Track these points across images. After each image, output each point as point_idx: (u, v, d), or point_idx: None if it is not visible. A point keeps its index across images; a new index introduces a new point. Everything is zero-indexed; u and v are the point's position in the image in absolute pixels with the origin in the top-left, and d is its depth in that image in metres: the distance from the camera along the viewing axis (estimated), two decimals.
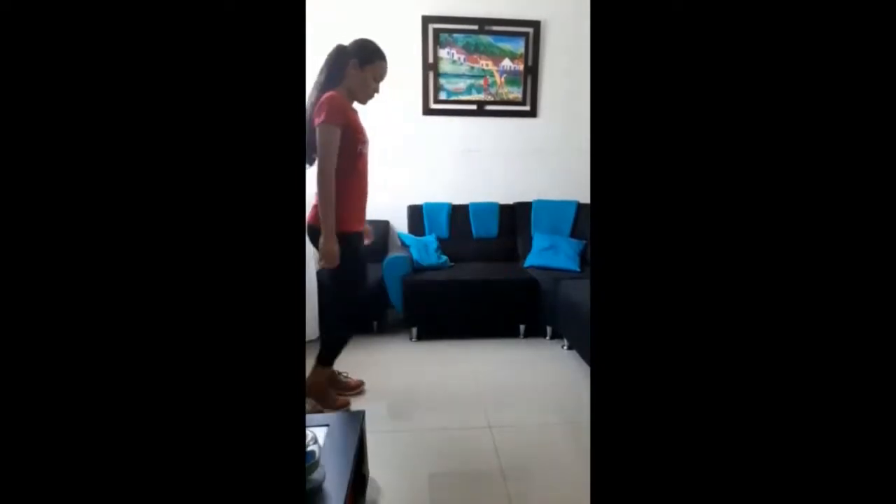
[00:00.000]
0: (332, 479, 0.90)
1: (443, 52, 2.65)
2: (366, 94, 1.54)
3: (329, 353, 1.68)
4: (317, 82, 1.51)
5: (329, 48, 1.47)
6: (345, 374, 1.87)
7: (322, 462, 0.91)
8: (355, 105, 1.57)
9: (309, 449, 0.88)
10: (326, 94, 1.44)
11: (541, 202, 2.74)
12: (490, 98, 2.71)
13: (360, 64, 1.49)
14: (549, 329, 2.40)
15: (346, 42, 1.56)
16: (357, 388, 1.84)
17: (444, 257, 2.51)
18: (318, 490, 0.87)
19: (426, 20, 2.61)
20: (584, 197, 2.74)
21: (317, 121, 1.41)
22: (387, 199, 2.74)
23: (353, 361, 2.13)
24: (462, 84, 2.69)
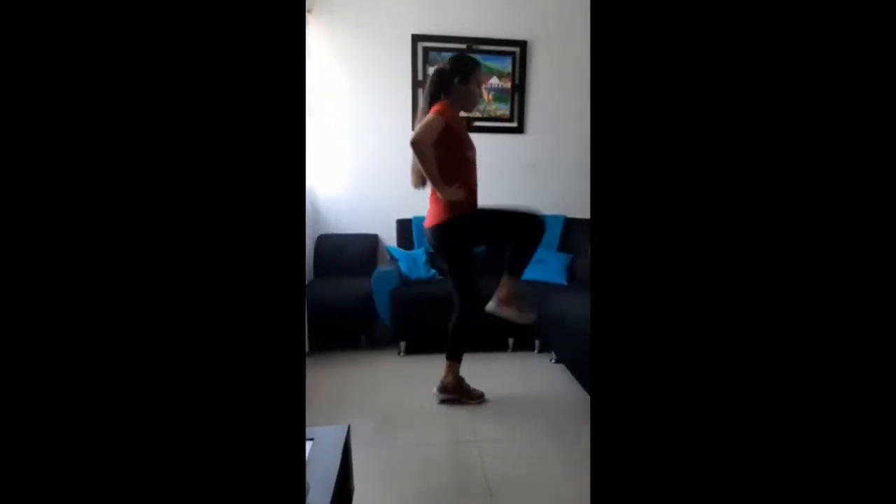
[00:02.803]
0: (315, 492, 0.89)
1: (432, 70, 2.70)
2: (472, 103, 1.75)
3: (456, 348, 1.82)
4: (422, 107, 1.69)
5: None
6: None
7: (306, 476, 0.90)
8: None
9: None
10: (440, 102, 1.63)
11: None
12: (478, 115, 2.76)
13: (462, 81, 1.67)
14: (537, 343, 2.41)
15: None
16: (479, 399, 1.89)
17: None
18: None
19: (416, 38, 2.67)
20: (571, 212, 2.79)
21: (431, 112, 1.59)
22: (375, 213, 2.75)
23: (341, 376, 2.11)
24: None
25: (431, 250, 1.84)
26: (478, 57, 2.69)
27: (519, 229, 1.75)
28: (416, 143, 1.54)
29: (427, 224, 1.76)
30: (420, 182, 1.74)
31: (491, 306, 1.81)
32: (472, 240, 1.77)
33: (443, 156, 1.60)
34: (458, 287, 1.80)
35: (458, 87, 1.67)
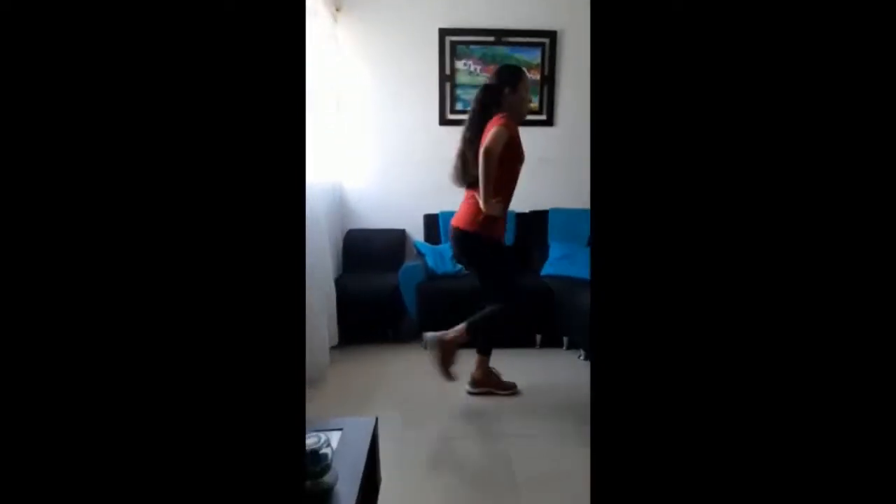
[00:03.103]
0: (344, 482, 0.91)
1: (459, 64, 2.68)
2: (525, 111, 1.78)
3: (486, 343, 1.86)
4: (472, 119, 1.73)
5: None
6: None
7: (334, 465, 0.92)
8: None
9: (322, 451, 0.89)
10: (499, 115, 1.66)
11: (557, 211, 2.72)
12: None
13: (513, 89, 1.70)
14: (565, 339, 2.37)
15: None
16: (511, 390, 1.91)
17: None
18: (329, 492, 0.88)
19: (443, 33, 2.65)
20: None
21: (494, 125, 1.62)
22: (403, 208, 2.77)
23: (369, 368, 2.14)
24: None
25: (451, 246, 1.85)
26: (506, 49, 2.69)
27: (503, 293, 1.77)
28: (488, 151, 1.57)
29: (454, 222, 1.77)
30: (462, 182, 1.76)
31: (468, 389, 1.88)
32: (483, 261, 1.78)
33: (499, 168, 1.62)
34: (486, 290, 1.82)
35: (509, 97, 1.69)
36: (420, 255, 2.59)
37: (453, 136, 2.81)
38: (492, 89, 1.72)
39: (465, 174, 1.73)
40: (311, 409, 1.60)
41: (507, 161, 1.66)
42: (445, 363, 1.78)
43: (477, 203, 1.68)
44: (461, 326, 1.78)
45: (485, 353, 1.88)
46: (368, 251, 2.71)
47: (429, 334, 1.80)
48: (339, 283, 2.40)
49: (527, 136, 2.73)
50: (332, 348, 2.23)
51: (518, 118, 1.74)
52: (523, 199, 2.76)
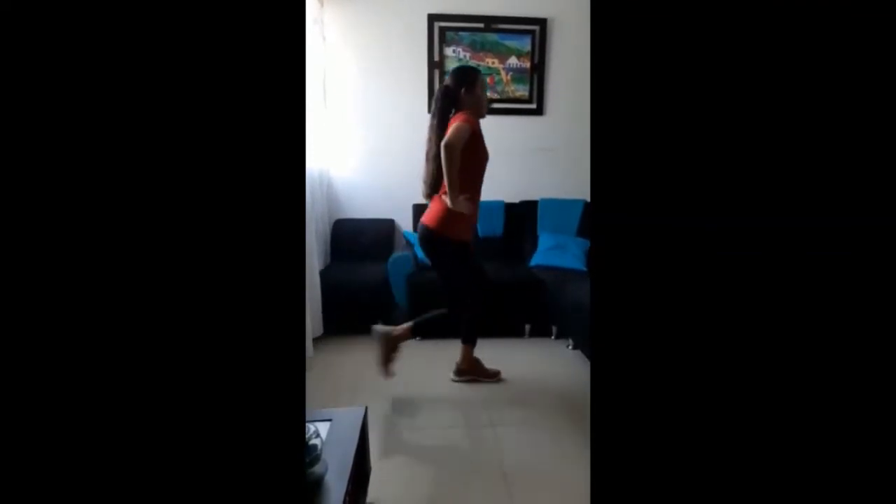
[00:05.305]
0: (333, 472, 0.90)
1: (448, 51, 2.64)
2: (484, 108, 1.76)
3: (470, 333, 1.89)
4: (433, 123, 1.71)
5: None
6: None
7: (324, 456, 0.91)
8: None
9: (311, 442, 0.88)
10: (460, 113, 1.66)
11: (547, 201, 2.72)
12: (496, 96, 2.70)
13: (468, 89, 1.70)
14: (554, 329, 2.38)
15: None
16: (495, 376, 1.94)
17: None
18: (319, 482, 0.86)
19: (432, 18, 2.61)
20: None
21: (455, 121, 1.61)
22: (392, 198, 2.74)
23: (359, 359, 2.13)
24: None
25: (419, 243, 1.83)
26: (496, 36, 2.65)
27: (459, 297, 1.78)
28: (449, 146, 1.55)
29: (423, 220, 1.75)
30: (432, 191, 1.74)
31: (452, 377, 1.93)
32: (446, 262, 1.78)
33: (464, 164, 1.60)
34: (448, 289, 1.80)
35: (466, 97, 1.69)
36: (409, 245, 2.57)
37: None
38: (448, 91, 1.71)
39: (438, 182, 1.69)
40: None
41: (472, 157, 1.64)
42: (386, 359, 1.80)
43: (445, 202, 1.65)
44: (408, 325, 1.81)
45: (469, 343, 1.90)
46: (357, 241, 2.68)
47: (378, 327, 1.81)
48: (328, 273, 2.37)
49: (516, 125, 2.74)
50: (316, 339, 2.21)
51: (479, 116, 1.73)
52: (513, 190, 2.77)
